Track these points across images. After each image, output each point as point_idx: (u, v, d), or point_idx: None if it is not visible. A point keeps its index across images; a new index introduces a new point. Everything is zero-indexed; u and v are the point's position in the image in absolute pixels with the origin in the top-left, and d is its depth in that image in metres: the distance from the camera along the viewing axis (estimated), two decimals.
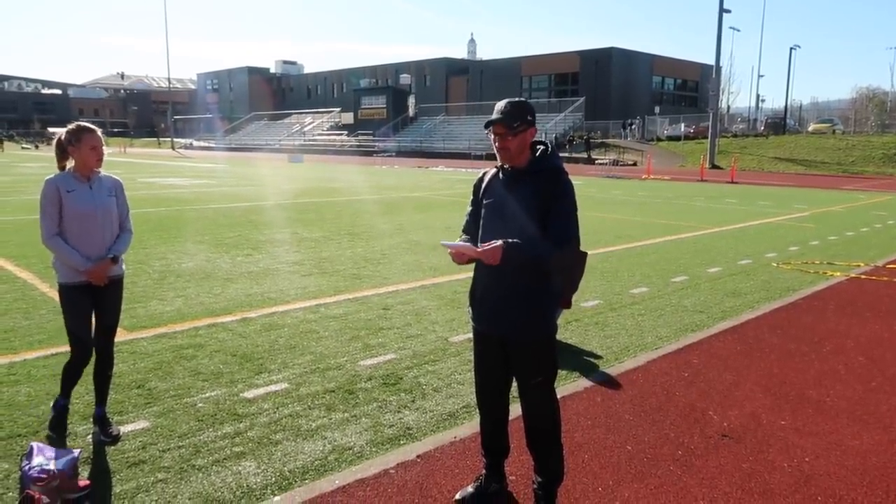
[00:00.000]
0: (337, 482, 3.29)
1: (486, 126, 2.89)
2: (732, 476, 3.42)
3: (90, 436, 3.71)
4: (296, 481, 3.29)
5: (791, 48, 61.30)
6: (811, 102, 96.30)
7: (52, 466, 3.10)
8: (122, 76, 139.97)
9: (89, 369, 3.83)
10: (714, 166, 38.60)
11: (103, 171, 3.74)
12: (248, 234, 11.27)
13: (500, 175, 3.01)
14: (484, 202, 3.01)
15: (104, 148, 3.68)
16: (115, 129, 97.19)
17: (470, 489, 3.17)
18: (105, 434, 3.67)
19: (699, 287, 7.72)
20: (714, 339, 5.78)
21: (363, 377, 4.69)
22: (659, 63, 70.37)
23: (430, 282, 7.76)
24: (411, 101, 67.91)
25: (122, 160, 43.58)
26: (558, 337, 3.07)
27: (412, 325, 5.99)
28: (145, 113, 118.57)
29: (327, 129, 74.49)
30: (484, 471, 3.22)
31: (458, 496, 3.16)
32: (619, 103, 62.80)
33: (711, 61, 41.86)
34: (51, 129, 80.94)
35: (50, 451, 3.22)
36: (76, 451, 3.32)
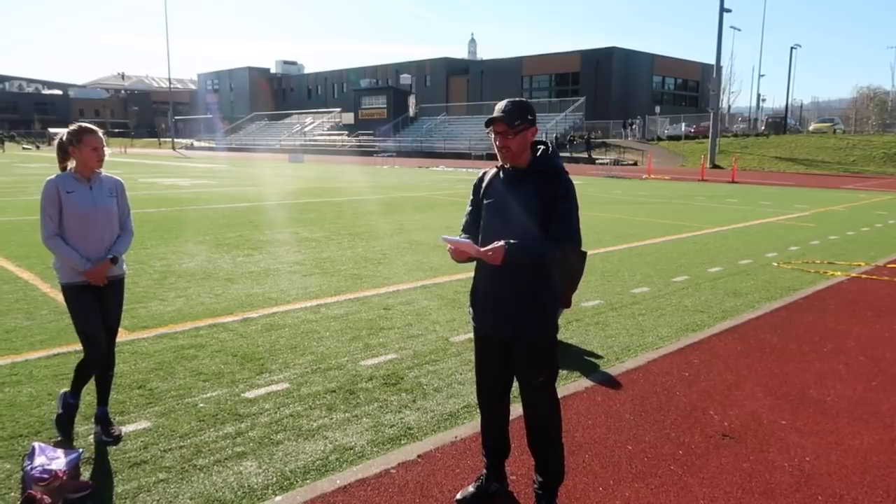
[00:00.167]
0: (338, 482, 3.30)
1: (487, 125, 2.89)
2: (733, 476, 3.42)
3: (91, 436, 3.72)
4: (297, 481, 3.30)
5: (792, 47, 61.20)
6: (812, 102, 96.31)
7: (53, 466, 3.11)
8: (123, 76, 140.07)
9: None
10: (715, 166, 38.60)
11: (104, 172, 3.75)
12: (248, 235, 11.28)
13: (501, 175, 3.01)
14: (484, 202, 3.01)
15: (105, 148, 3.69)
16: (116, 130, 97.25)
17: (471, 489, 3.18)
18: (106, 434, 3.68)
19: (700, 287, 7.72)
20: (715, 338, 5.78)
21: (364, 377, 4.70)
22: (659, 63, 70.35)
23: (430, 282, 7.77)
24: (412, 101, 67.87)
25: (122, 160, 43.61)
26: (559, 337, 3.07)
27: (413, 325, 6.00)
28: (146, 113, 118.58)
29: (328, 130, 74.48)
30: (485, 471, 3.22)
31: (458, 496, 3.16)
32: (619, 103, 62.80)
33: (712, 61, 41.91)
34: (51, 130, 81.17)
35: (52, 452, 3.24)
36: (78, 452, 3.33)
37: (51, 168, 3.61)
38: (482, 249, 2.76)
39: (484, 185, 3.06)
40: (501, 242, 2.74)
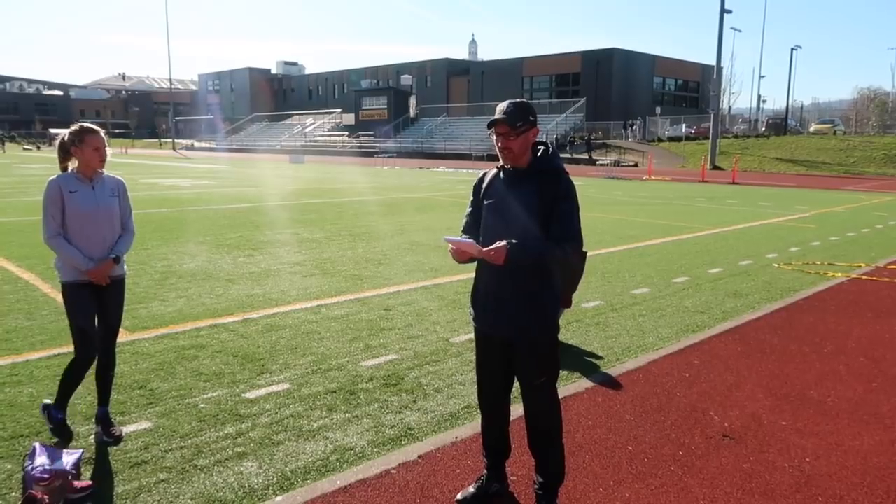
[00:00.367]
0: (338, 482, 3.30)
1: (489, 126, 2.89)
2: (733, 476, 3.42)
3: (92, 436, 3.72)
4: (297, 481, 3.30)
5: (792, 49, 61.35)
6: (812, 103, 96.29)
7: (54, 467, 3.11)
8: (124, 77, 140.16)
9: (90, 370, 3.84)
10: (715, 167, 38.59)
11: (106, 172, 3.76)
12: (249, 235, 11.28)
13: (501, 175, 3.01)
14: (485, 203, 3.01)
15: (107, 149, 3.70)
16: (117, 130, 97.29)
17: (471, 489, 3.18)
18: (107, 434, 3.68)
19: (700, 288, 7.72)
20: (715, 339, 5.78)
21: (364, 378, 4.70)
22: (660, 63, 70.37)
23: (431, 282, 7.77)
24: (412, 101, 67.88)
25: (123, 161, 43.65)
26: (559, 337, 3.07)
27: (413, 325, 6.00)
28: (147, 114, 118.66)
29: (328, 130, 74.51)
30: (485, 471, 3.22)
31: (459, 496, 3.16)
32: (620, 104, 62.81)
33: (713, 62, 41.86)
34: (52, 130, 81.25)
35: (52, 452, 3.24)
36: (78, 452, 3.34)
37: (51, 169, 3.62)
38: (484, 249, 2.77)
39: (484, 185, 3.07)
40: (503, 242, 2.74)
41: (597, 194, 21.05)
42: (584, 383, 4.69)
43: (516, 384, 3.12)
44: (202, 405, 4.17)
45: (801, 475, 3.45)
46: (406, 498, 3.18)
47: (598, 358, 5.24)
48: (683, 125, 53.94)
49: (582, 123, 54.76)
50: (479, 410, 3.30)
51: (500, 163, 3.00)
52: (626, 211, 16.27)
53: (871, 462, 3.61)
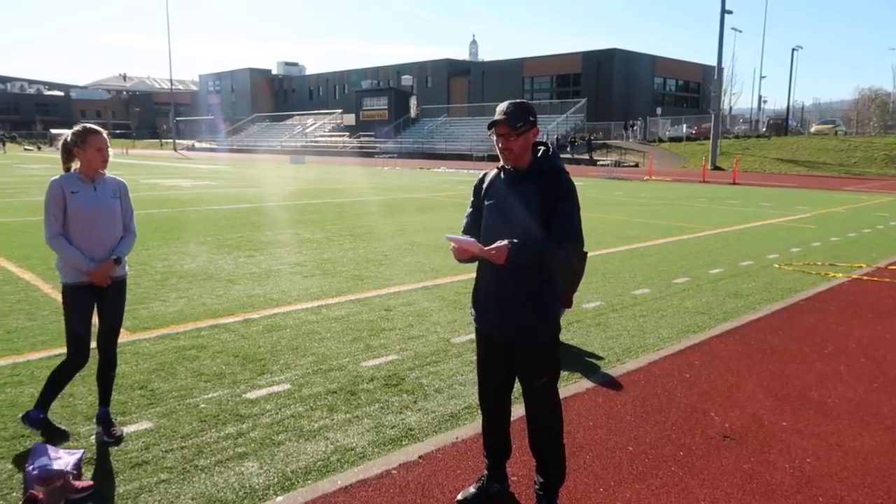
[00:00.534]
0: (339, 483, 3.30)
1: (490, 127, 2.90)
2: (734, 477, 3.42)
3: (93, 436, 3.72)
4: (298, 482, 3.30)
5: (793, 49, 61.21)
6: (813, 103, 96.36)
7: (55, 467, 3.11)
8: (125, 77, 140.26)
9: (91, 370, 3.85)
10: (716, 167, 38.58)
11: (108, 173, 3.76)
12: (250, 236, 11.29)
13: (502, 176, 3.02)
14: (485, 203, 3.02)
15: (109, 149, 3.71)
16: (118, 131, 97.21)
17: (472, 490, 3.18)
18: (108, 434, 3.69)
19: (701, 288, 7.72)
20: (715, 340, 5.78)
21: (365, 378, 4.70)
22: (661, 64, 70.37)
23: (431, 283, 7.77)
24: (413, 102, 67.90)
25: (124, 162, 43.68)
26: (560, 338, 3.07)
27: (414, 326, 6.00)
28: (147, 114, 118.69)
29: (329, 131, 74.51)
30: (486, 471, 3.22)
31: (459, 497, 3.16)
32: (620, 104, 62.80)
33: (713, 62, 41.87)
34: (53, 131, 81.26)
35: (53, 452, 3.24)
36: (79, 452, 3.34)
37: (52, 169, 3.63)
38: (486, 249, 2.77)
39: (485, 186, 3.07)
40: (505, 241, 2.75)
41: (597, 195, 21.05)
42: (585, 384, 4.70)
43: (517, 384, 3.12)
44: (203, 405, 4.17)
45: (802, 476, 3.45)
46: (407, 498, 3.18)
47: (599, 358, 5.24)
48: (684, 126, 53.93)
49: (583, 124, 54.74)
50: (479, 411, 3.30)
51: (501, 163, 3.00)
52: (626, 211, 16.27)
53: (872, 463, 3.61)
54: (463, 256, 2.87)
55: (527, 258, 2.79)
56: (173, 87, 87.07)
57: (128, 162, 43.58)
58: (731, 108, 67.79)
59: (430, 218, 14.50)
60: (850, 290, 7.81)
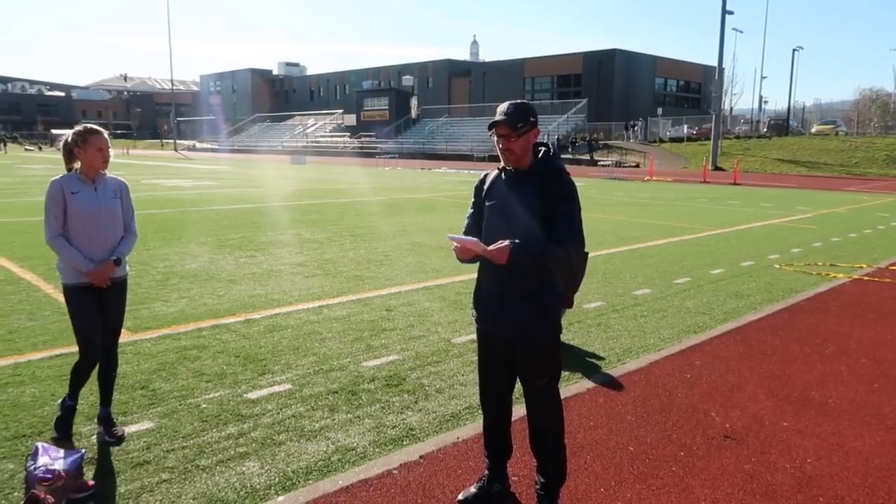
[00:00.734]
0: (340, 482, 3.30)
1: (490, 128, 2.90)
2: (734, 477, 3.42)
3: (95, 436, 3.73)
4: (299, 482, 3.31)
5: (794, 49, 61.39)
6: (814, 104, 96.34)
7: (57, 466, 3.12)
8: (126, 78, 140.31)
9: (93, 370, 3.85)
10: (717, 168, 38.57)
11: (109, 174, 3.77)
12: (251, 236, 11.30)
13: (503, 176, 3.02)
14: (486, 204, 3.02)
15: (110, 150, 3.71)
16: (119, 131, 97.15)
17: (472, 490, 3.18)
18: (109, 434, 3.69)
19: (702, 289, 7.72)
20: (716, 340, 5.78)
21: (366, 378, 4.71)
22: (662, 64, 70.34)
23: (432, 283, 7.78)
24: (414, 102, 67.92)
25: (125, 162, 43.70)
26: (561, 338, 3.07)
27: (415, 326, 6.01)
28: (148, 114, 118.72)
29: (330, 131, 74.53)
30: (486, 471, 3.23)
31: (460, 497, 3.17)
32: (621, 105, 62.77)
33: (714, 63, 41.85)
34: (54, 131, 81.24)
35: (55, 452, 3.25)
36: (81, 452, 3.34)
37: (53, 169, 3.63)
38: (488, 248, 2.77)
39: (486, 186, 3.07)
40: (506, 242, 2.75)
41: (598, 195, 21.05)
42: (586, 384, 4.70)
43: (518, 384, 3.12)
44: (204, 405, 4.17)
45: (803, 476, 3.45)
46: (408, 498, 3.19)
47: (600, 359, 5.24)
48: (685, 126, 53.90)
49: (583, 124, 54.75)
50: (480, 411, 3.31)
51: (502, 164, 3.00)
52: (627, 212, 16.27)
53: (873, 463, 3.61)
54: (465, 256, 2.87)
55: (528, 258, 2.79)
56: (174, 87, 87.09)
57: (129, 162, 43.60)
58: (731, 109, 67.78)
59: (431, 218, 14.51)
60: (851, 291, 7.81)
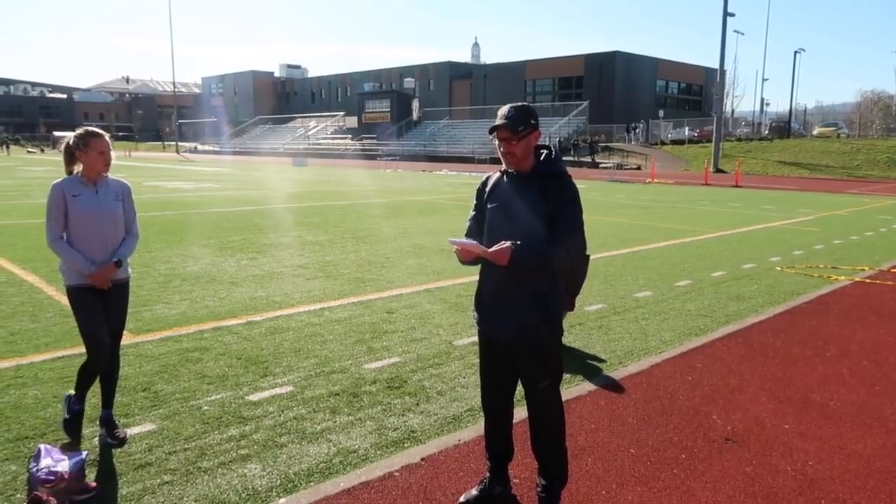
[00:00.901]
0: (342, 485, 3.31)
1: (491, 132, 2.90)
2: (736, 480, 3.42)
3: (97, 438, 3.73)
4: (301, 484, 3.31)
5: (795, 52, 61.42)
6: (816, 106, 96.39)
7: (59, 468, 3.13)
8: (128, 80, 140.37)
9: None
10: (718, 170, 38.56)
11: (111, 176, 3.78)
12: (252, 238, 11.31)
13: (505, 179, 3.03)
14: (488, 206, 3.03)
15: (111, 152, 3.72)
16: (121, 133, 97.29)
17: (474, 492, 3.19)
18: (111, 436, 3.70)
19: (703, 291, 7.72)
20: (718, 343, 5.78)
21: (367, 380, 4.71)
22: (663, 67, 70.35)
23: (434, 285, 7.78)
24: (415, 104, 68.02)
25: (127, 164, 43.75)
26: (562, 340, 3.08)
27: (416, 328, 6.01)
28: (150, 117, 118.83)
29: (331, 133, 74.65)
30: (488, 474, 3.23)
31: (461, 499, 3.17)
32: (623, 107, 62.78)
33: (716, 65, 41.84)
34: (56, 133, 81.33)
35: (57, 454, 3.25)
36: (83, 454, 3.35)
37: (55, 171, 3.65)
38: (489, 250, 2.78)
39: (488, 189, 3.08)
40: (508, 243, 2.76)
41: (599, 197, 21.05)
42: (587, 386, 4.70)
43: (520, 387, 3.13)
44: (206, 407, 4.18)
45: (804, 479, 3.45)
46: (409, 500, 3.19)
47: (601, 361, 5.24)
48: (686, 128, 53.90)
49: (585, 126, 54.76)
50: (482, 413, 3.31)
51: (504, 167, 3.01)
52: (628, 214, 16.27)
53: (874, 466, 3.61)
54: (466, 258, 2.88)
55: (529, 260, 2.79)
56: (176, 89, 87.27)
57: (130, 164, 43.66)
58: (733, 111, 67.76)
59: (433, 220, 14.52)
60: (852, 293, 7.80)
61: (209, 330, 5.82)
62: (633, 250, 10.60)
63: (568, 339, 5.61)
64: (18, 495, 3.15)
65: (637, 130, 54.66)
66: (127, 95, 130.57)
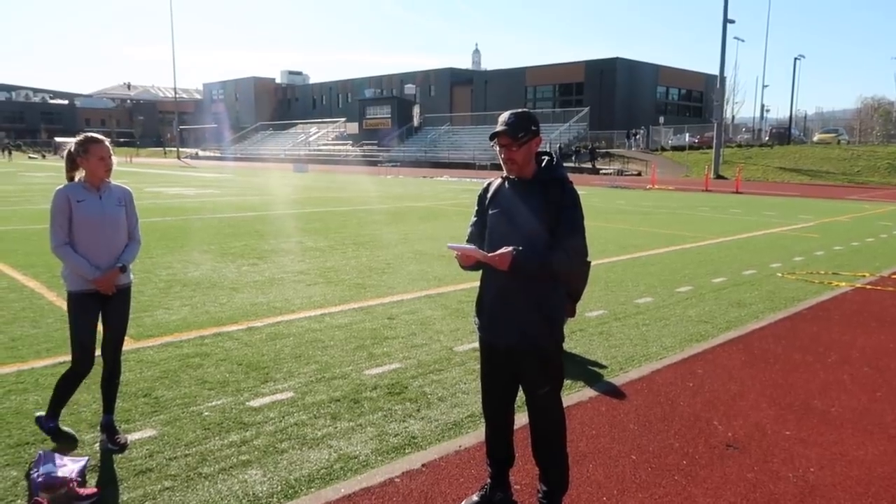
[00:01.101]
0: (342, 491, 3.30)
1: (492, 138, 2.91)
2: (737, 486, 3.42)
3: (97, 444, 3.73)
4: (301, 490, 3.31)
5: (796, 58, 61.33)
6: (816, 112, 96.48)
7: (59, 474, 3.13)
8: (129, 86, 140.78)
9: (96, 378, 3.86)
10: (719, 176, 38.59)
11: (113, 181, 3.79)
12: (253, 244, 11.32)
13: (506, 185, 3.03)
14: (490, 212, 3.03)
15: (112, 158, 3.73)
16: (122, 139, 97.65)
17: (475, 498, 3.18)
18: (112, 442, 3.70)
19: (704, 297, 7.72)
20: (719, 349, 5.78)
21: (368, 386, 4.71)
22: (663, 73, 70.54)
23: (434, 291, 7.78)
24: (416, 110, 68.14)
25: (128, 170, 43.81)
26: (563, 346, 3.08)
27: (417, 334, 6.01)
28: (151, 123, 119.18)
29: (332, 139, 74.76)
30: (489, 480, 3.22)
31: None
32: (623, 113, 62.91)
33: (716, 71, 41.95)
34: (57, 139, 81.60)
35: (58, 459, 3.26)
36: (84, 459, 3.35)
37: (56, 177, 3.66)
38: (490, 255, 2.79)
39: (489, 195, 3.09)
40: (509, 248, 2.76)
41: (600, 204, 21.07)
42: (588, 392, 4.70)
43: (520, 393, 3.13)
44: (206, 413, 4.18)
45: (805, 485, 3.44)
46: None
47: (602, 367, 5.24)
48: (687, 134, 53.99)
49: (585, 133, 54.85)
50: (482, 419, 3.31)
51: (505, 173, 3.02)
52: (629, 220, 16.28)
53: (876, 472, 3.60)
54: (467, 263, 2.89)
55: (530, 265, 2.80)
56: (177, 95, 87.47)
57: (132, 170, 43.71)
58: (733, 117, 67.81)
59: (434, 226, 14.53)
60: (853, 300, 7.80)
61: (210, 336, 5.82)
62: (633, 256, 10.61)
63: (569, 345, 5.60)
64: (19, 501, 3.14)
65: (637, 137, 54.75)
66: (128, 101, 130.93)
